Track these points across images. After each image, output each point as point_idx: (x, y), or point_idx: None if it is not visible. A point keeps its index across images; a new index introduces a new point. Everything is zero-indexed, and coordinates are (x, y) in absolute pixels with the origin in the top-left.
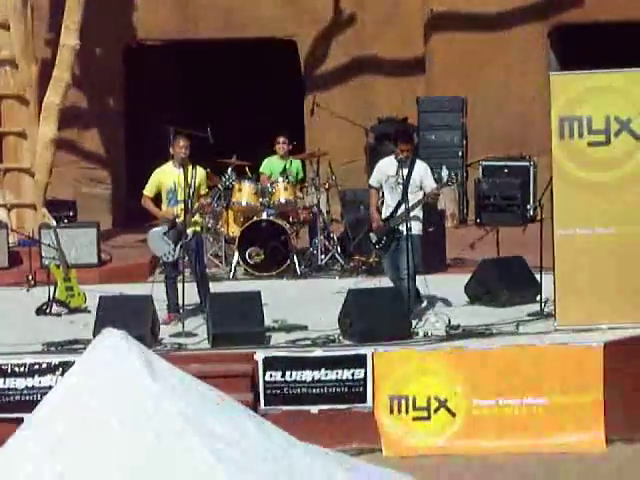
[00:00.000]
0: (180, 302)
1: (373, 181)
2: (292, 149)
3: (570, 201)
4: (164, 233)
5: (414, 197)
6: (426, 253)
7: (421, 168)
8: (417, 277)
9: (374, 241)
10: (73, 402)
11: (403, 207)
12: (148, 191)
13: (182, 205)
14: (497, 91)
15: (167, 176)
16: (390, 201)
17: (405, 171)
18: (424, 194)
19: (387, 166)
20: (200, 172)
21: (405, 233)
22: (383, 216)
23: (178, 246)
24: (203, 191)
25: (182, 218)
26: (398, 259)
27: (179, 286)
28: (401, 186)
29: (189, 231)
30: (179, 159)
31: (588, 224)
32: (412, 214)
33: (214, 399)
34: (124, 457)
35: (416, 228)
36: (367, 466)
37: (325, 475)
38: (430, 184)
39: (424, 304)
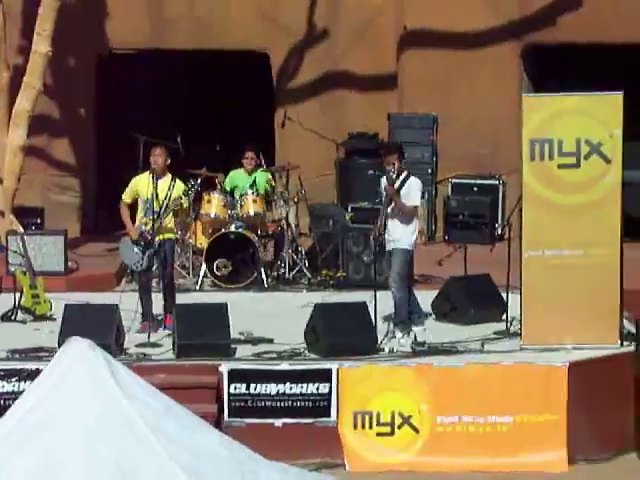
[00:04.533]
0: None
1: (380, 195)
2: (259, 163)
3: (539, 223)
4: (134, 242)
5: (397, 213)
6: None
7: (410, 183)
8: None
9: (373, 250)
10: (39, 410)
11: (390, 222)
12: (126, 196)
13: (156, 216)
14: (468, 109)
15: (144, 186)
16: (383, 213)
17: (397, 186)
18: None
19: (382, 181)
20: (178, 186)
21: (393, 248)
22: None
23: (146, 256)
24: (184, 203)
25: (150, 227)
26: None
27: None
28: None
29: (159, 239)
30: (153, 168)
31: (556, 246)
32: (401, 230)
33: (177, 410)
34: (89, 460)
35: (405, 242)
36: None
37: None
38: (411, 201)
39: (420, 320)
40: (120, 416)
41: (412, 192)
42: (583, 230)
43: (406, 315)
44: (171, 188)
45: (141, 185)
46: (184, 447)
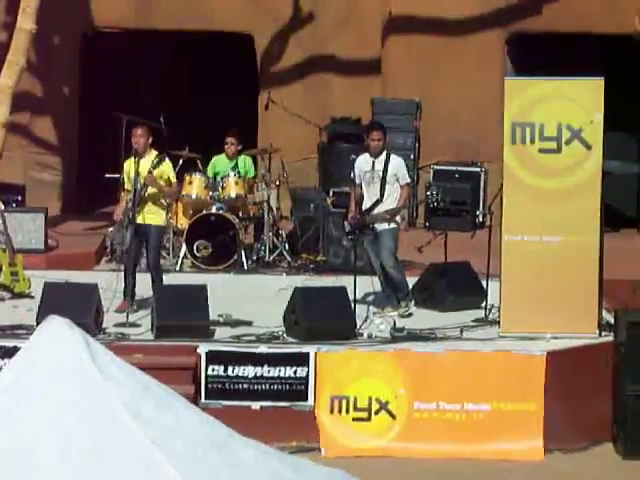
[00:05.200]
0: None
1: (355, 178)
2: (242, 148)
3: (519, 207)
4: (120, 224)
5: (392, 191)
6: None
7: (396, 162)
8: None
9: (347, 230)
10: (15, 389)
11: (381, 204)
12: (127, 184)
13: (137, 193)
14: (452, 96)
15: (130, 165)
16: (367, 196)
17: (379, 165)
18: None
19: (362, 162)
20: (163, 164)
21: (373, 229)
22: (363, 208)
23: (128, 234)
24: (172, 179)
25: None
26: (378, 254)
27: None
28: (377, 180)
29: (143, 221)
30: (135, 149)
31: (536, 232)
32: (387, 210)
33: (155, 389)
34: (64, 440)
35: (393, 223)
36: (308, 464)
37: (268, 469)
38: (404, 178)
39: (408, 308)
40: (96, 396)
41: (401, 170)
42: (562, 216)
43: (405, 283)
44: (154, 165)
45: (128, 165)
46: (161, 427)
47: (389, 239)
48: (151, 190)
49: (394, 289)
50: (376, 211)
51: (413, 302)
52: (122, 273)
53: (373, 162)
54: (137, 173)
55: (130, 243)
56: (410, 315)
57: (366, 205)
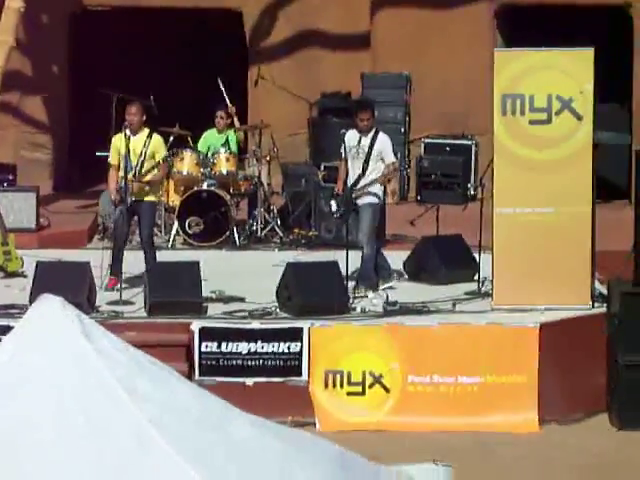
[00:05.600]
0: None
1: (341, 151)
2: (231, 122)
3: (510, 179)
4: (113, 202)
5: (375, 167)
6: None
7: (383, 140)
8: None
9: (334, 209)
10: (9, 368)
11: (362, 181)
12: (112, 159)
13: (134, 171)
14: (442, 69)
15: (121, 142)
16: (352, 171)
17: (365, 141)
18: (383, 170)
19: (350, 137)
20: (155, 139)
21: (357, 204)
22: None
23: (117, 210)
24: (158, 158)
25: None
26: (358, 228)
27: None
28: (362, 156)
29: (137, 198)
30: (129, 126)
31: (527, 204)
32: (370, 190)
33: (150, 366)
34: (58, 418)
35: (370, 199)
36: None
37: (264, 444)
38: (389, 157)
39: (390, 283)
40: (91, 373)
41: (387, 149)
42: (554, 187)
43: (372, 272)
44: (147, 143)
45: (119, 142)
46: (156, 403)
47: (367, 214)
48: (147, 167)
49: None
50: (360, 184)
51: (385, 294)
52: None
53: (360, 137)
54: (129, 150)
55: (119, 220)
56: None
57: (350, 181)
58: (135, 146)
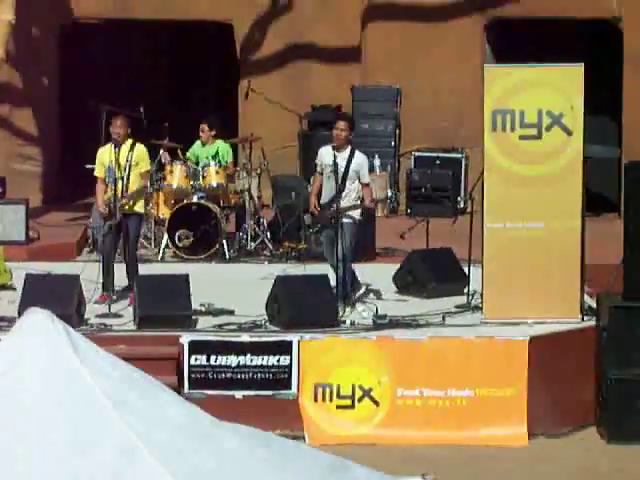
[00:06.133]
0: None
1: (317, 167)
2: (216, 134)
3: (500, 195)
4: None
5: (351, 187)
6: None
7: (359, 160)
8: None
9: (307, 223)
10: None
11: (341, 199)
12: (98, 171)
13: (119, 183)
14: (432, 82)
15: (106, 155)
16: (327, 188)
17: (342, 160)
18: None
19: (325, 154)
20: (138, 149)
21: (339, 223)
22: (322, 201)
23: (107, 224)
24: (143, 169)
25: (112, 197)
26: (337, 247)
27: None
28: (337, 175)
29: (125, 211)
30: (115, 139)
31: (518, 219)
32: (349, 205)
33: (139, 380)
34: (46, 432)
35: (351, 217)
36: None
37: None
38: (365, 178)
39: (362, 290)
40: (79, 387)
41: (364, 169)
42: (544, 202)
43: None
44: (131, 154)
45: (105, 156)
46: (144, 418)
47: (350, 232)
48: (132, 178)
49: (343, 285)
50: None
51: (374, 307)
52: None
53: (335, 155)
54: (117, 163)
55: (108, 235)
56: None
57: (324, 199)
58: (120, 158)
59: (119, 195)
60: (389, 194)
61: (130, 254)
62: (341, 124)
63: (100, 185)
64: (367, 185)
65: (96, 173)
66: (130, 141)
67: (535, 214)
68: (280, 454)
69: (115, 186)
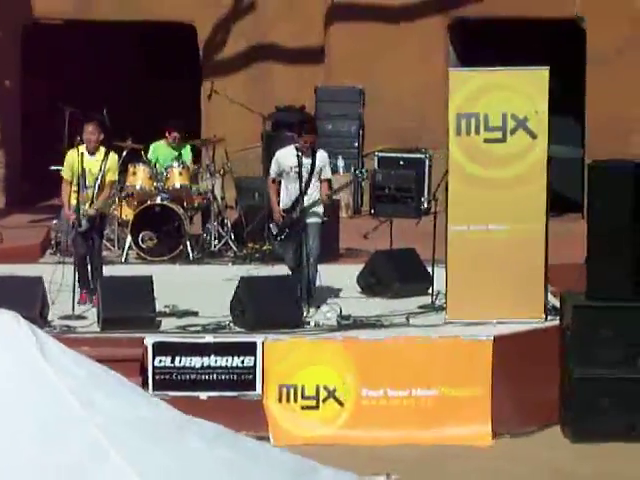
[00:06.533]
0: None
1: (272, 173)
2: (181, 136)
3: (464, 198)
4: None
5: (315, 185)
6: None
7: (323, 157)
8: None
9: (275, 232)
10: None
11: (306, 198)
12: (66, 174)
13: (89, 191)
14: (395, 83)
15: (75, 160)
16: (291, 191)
17: (306, 160)
18: (322, 192)
19: (286, 157)
20: (111, 159)
21: (306, 222)
22: (284, 206)
23: (74, 231)
24: (111, 177)
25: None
26: (305, 248)
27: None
28: (304, 175)
29: (92, 211)
30: (86, 145)
31: (482, 221)
32: (314, 210)
33: (106, 378)
34: (13, 432)
35: (318, 217)
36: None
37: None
38: (328, 173)
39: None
40: (45, 387)
41: (327, 166)
42: (509, 205)
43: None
44: (104, 164)
45: (74, 160)
46: (111, 417)
47: (316, 233)
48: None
49: (310, 287)
50: (305, 204)
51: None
52: (66, 266)
53: (299, 156)
54: (84, 168)
55: (78, 240)
56: None
57: (287, 203)
58: (92, 166)
59: (87, 203)
60: (358, 173)
61: (96, 255)
62: (312, 137)
63: (66, 186)
64: (328, 181)
65: (63, 174)
66: (103, 150)
67: (499, 216)
68: (245, 456)
69: (84, 193)
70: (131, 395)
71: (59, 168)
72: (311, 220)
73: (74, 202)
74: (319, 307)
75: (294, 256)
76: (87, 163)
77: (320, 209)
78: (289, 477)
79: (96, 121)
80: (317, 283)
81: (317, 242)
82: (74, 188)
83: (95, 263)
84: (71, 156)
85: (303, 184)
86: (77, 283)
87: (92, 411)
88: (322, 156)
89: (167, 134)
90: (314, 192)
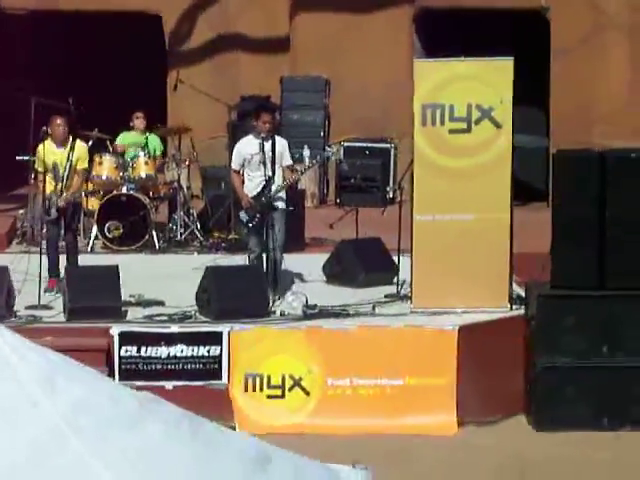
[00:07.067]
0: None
1: (235, 165)
2: (150, 124)
3: (430, 187)
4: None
5: (279, 171)
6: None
7: (283, 143)
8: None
9: (245, 220)
10: None
11: (273, 183)
12: (39, 165)
13: (58, 182)
14: (361, 73)
15: (48, 153)
16: (257, 179)
17: (268, 146)
18: (286, 176)
19: (247, 146)
20: (79, 147)
21: (275, 208)
22: (250, 194)
23: (48, 220)
24: (81, 165)
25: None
26: (272, 234)
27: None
28: (267, 163)
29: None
30: (54, 137)
31: (447, 210)
32: (281, 194)
33: (67, 366)
34: None
35: (282, 204)
36: (226, 437)
37: (177, 446)
38: (287, 160)
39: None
40: (5, 374)
41: (287, 151)
42: (474, 195)
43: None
44: (71, 153)
45: (44, 153)
46: (72, 403)
47: (282, 221)
48: (72, 176)
49: (276, 274)
50: (272, 189)
51: (304, 297)
52: (32, 255)
53: (261, 144)
54: (54, 160)
55: (52, 229)
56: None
57: (254, 190)
58: (62, 158)
59: (58, 193)
60: (327, 149)
61: (70, 243)
62: (268, 116)
63: (41, 178)
64: (289, 167)
65: (37, 167)
66: (69, 139)
67: (464, 206)
68: (205, 445)
69: (56, 184)
70: (94, 383)
71: (24, 158)
72: (279, 206)
73: (48, 192)
74: (285, 296)
75: (259, 240)
76: (55, 155)
77: (284, 196)
78: (250, 463)
79: (63, 113)
80: (281, 269)
81: (283, 228)
82: (47, 179)
83: (71, 252)
84: (41, 150)
85: (269, 169)
86: (47, 270)
87: (54, 397)
88: (281, 142)
89: (134, 118)
90: (277, 178)
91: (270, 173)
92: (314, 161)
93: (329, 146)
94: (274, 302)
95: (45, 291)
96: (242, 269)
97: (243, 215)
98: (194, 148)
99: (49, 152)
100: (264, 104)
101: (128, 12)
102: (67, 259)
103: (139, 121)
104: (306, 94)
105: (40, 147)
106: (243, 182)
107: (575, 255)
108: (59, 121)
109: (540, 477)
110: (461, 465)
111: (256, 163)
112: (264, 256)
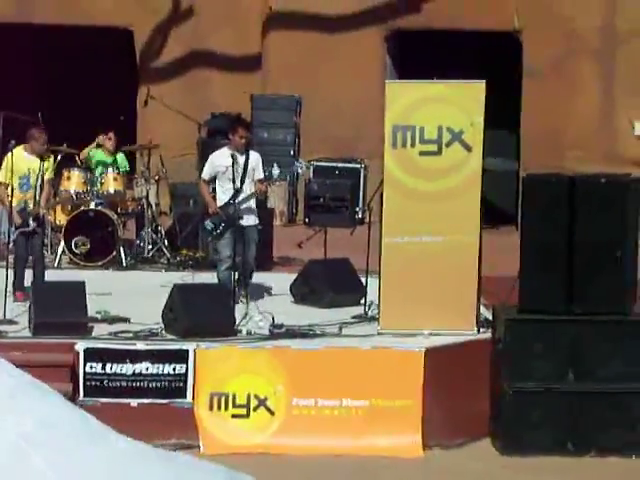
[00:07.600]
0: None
1: (205, 174)
2: (119, 142)
3: (399, 209)
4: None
5: (250, 185)
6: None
7: (256, 156)
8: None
9: (210, 228)
10: None
11: (241, 197)
12: (4, 177)
13: (32, 191)
14: (332, 93)
15: (19, 162)
16: (229, 191)
17: (241, 160)
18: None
19: (221, 158)
20: (49, 159)
21: (242, 224)
22: (220, 203)
23: (17, 232)
24: (49, 175)
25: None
26: (242, 250)
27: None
28: (238, 174)
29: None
30: (37, 150)
31: (416, 233)
32: (250, 206)
33: (29, 385)
34: None
35: (254, 219)
36: (188, 462)
37: (143, 464)
38: (260, 174)
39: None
40: None
41: (259, 165)
42: (443, 217)
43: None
44: (42, 164)
45: (15, 162)
46: (33, 421)
47: (254, 236)
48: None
49: (249, 291)
50: (238, 202)
51: (270, 317)
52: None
53: (233, 156)
54: (28, 167)
55: (20, 241)
56: None
57: (224, 200)
58: (34, 166)
59: (31, 202)
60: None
61: (38, 257)
62: (245, 132)
63: (3, 191)
64: (260, 181)
65: (2, 179)
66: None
67: (433, 228)
68: (172, 467)
69: (27, 192)
70: (54, 402)
71: None
72: (248, 222)
73: (15, 203)
74: (252, 315)
75: (231, 252)
76: (27, 163)
77: (254, 208)
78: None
79: (41, 126)
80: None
81: (255, 245)
82: (15, 190)
83: (38, 267)
84: (8, 160)
85: (238, 182)
86: (12, 285)
87: (15, 416)
88: (255, 156)
89: (106, 138)
90: (248, 191)
91: (239, 185)
92: (283, 175)
93: (298, 161)
94: (242, 319)
95: (14, 301)
96: (209, 287)
97: (208, 223)
98: (163, 165)
99: (21, 159)
100: (241, 119)
101: (99, 27)
102: (33, 274)
103: (110, 142)
104: (276, 112)
105: (8, 156)
106: (213, 195)
107: (543, 279)
108: (45, 137)
109: None
110: None
111: (229, 175)
112: (234, 271)
